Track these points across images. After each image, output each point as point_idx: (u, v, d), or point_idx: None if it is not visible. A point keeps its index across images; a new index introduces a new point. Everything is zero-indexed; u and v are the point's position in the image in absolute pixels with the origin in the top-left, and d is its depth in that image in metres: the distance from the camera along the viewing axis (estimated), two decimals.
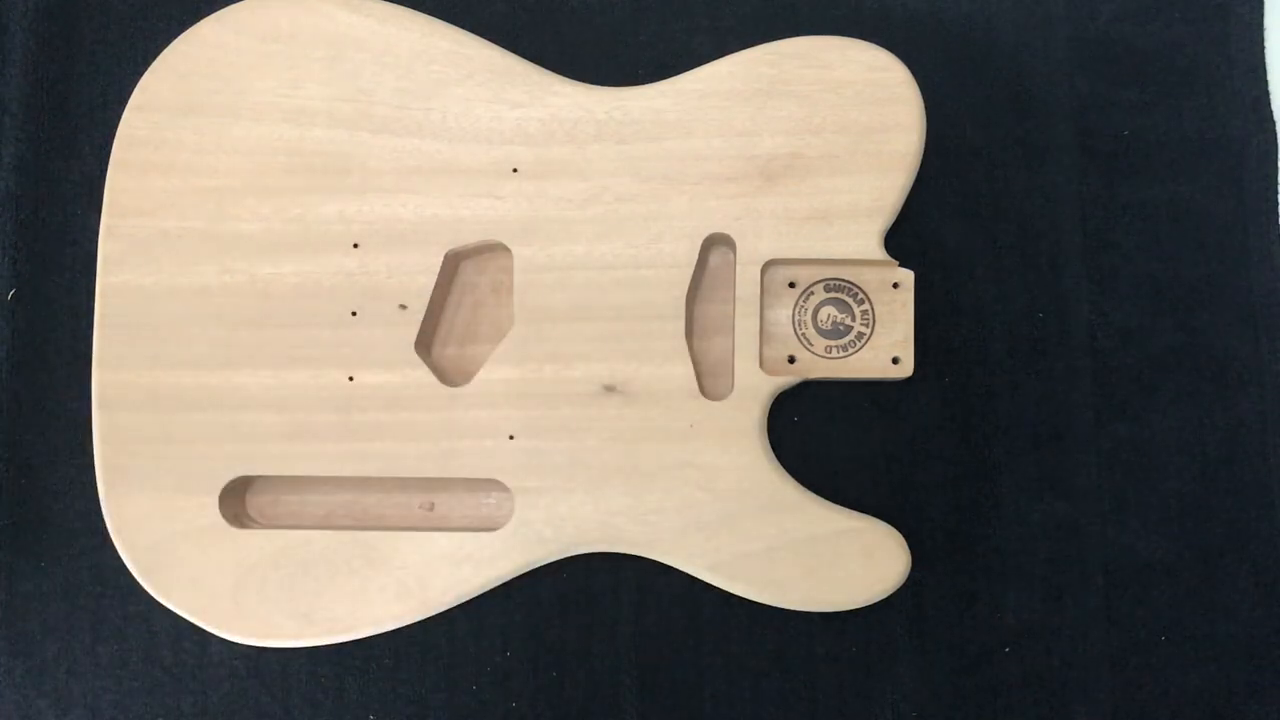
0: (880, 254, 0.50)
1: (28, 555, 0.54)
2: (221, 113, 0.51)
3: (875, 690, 0.52)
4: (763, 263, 0.50)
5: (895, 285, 0.50)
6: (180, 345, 0.50)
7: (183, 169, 0.51)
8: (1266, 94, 0.54)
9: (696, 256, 0.50)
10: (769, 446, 0.50)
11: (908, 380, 0.51)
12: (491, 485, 0.51)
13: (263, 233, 0.51)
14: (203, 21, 0.51)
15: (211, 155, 0.51)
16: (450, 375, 0.51)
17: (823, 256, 0.50)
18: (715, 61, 0.50)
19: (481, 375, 0.50)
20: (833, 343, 0.51)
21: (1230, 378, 0.52)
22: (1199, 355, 0.53)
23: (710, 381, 0.51)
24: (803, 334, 0.51)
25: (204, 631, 0.50)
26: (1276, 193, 0.53)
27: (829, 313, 0.51)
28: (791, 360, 0.51)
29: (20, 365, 0.54)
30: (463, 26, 0.51)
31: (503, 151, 0.50)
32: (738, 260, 0.50)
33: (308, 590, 0.50)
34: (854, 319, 0.51)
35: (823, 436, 0.53)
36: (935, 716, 0.52)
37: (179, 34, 0.51)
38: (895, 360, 0.50)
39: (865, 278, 0.51)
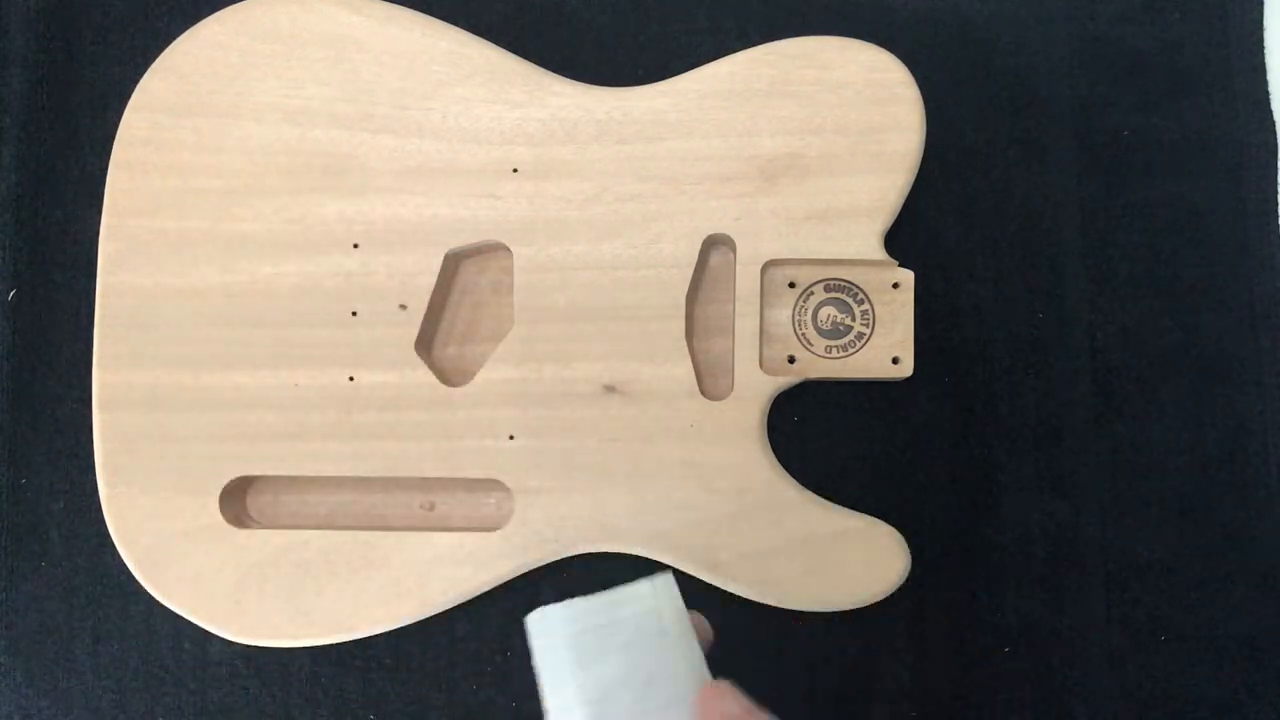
0: (880, 254, 0.50)
1: (28, 555, 0.54)
2: (222, 113, 0.51)
3: (875, 690, 0.52)
4: (763, 263, 0.50)
5: (895, 285, 0.50)
6: (180, 345, 0.50)
7: (183, 169, 0.51)
8: (1266, 94, 0.54)
9: (696, 256, 0.50)
10: (769, 446, 0.50)
11: (908, 380, 0.51)
12: (492, 485, 0.51)
13: (263, 233, 0.51)
14: (203, 21, 0.51)
15: (212, 155, 0.51)
16: (450, 375, 0.51)
17: (823, 256, 0.50)
18: (715, 61, 0.50)
19: (482, 375, 0.50)
20: (833, 343, 0.51)
21: (1230, 378, 0.52)
22: (1199, 355, 0.53)
23: (710, 381, 0.51)
24: (803, 334, 0.51)
25: (204, 631, 0.50)
26: (1276, 193, 0.53)
27: (829, 313, 0.51)
28: (791, 360, 0.51)
29: (20, 365, 0.54)
30: (463, 26, 0.51)
31: (503, 151, 0.50)
32: (738, 260, 0.50)
33: (308, 590, 0.50)
34: (854, 319, 0.51)
35: (823, 436, 0.53)
36: (935, 716, 0.52)
37: (179, 34, 0.51)
38: (895, 360, 0.50)
39: (865, 278, 0.51)
